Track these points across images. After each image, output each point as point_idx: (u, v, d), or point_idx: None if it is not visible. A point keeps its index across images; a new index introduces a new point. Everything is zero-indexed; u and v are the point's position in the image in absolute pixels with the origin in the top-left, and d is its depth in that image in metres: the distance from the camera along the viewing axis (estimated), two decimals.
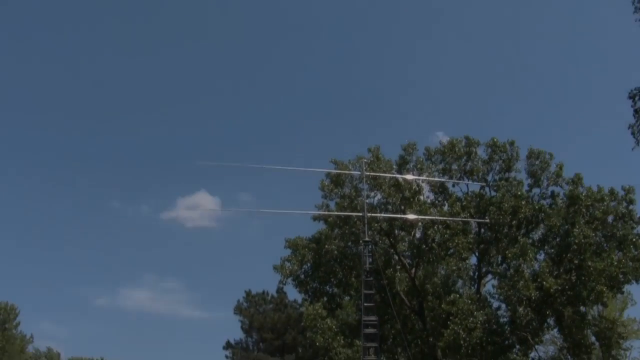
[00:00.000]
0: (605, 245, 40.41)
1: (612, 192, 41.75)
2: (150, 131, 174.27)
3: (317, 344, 41.42)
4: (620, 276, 38.75)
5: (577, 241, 37.60)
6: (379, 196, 43.23)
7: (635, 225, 41.60)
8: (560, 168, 42.67)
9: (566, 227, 38.82)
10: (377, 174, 41.00)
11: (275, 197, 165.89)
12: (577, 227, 37.91)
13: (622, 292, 46.32)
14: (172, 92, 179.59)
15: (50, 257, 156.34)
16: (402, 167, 44.08)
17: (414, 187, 42.72)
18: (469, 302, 39.83)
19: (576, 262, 37.78)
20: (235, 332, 79.33)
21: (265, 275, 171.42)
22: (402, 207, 41.84)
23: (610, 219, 41.20)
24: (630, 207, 41.85)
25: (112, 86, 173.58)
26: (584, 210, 39.31)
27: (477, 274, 45.41)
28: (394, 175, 42.34)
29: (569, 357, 45.59)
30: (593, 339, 53.01)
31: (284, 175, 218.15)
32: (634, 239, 39.90)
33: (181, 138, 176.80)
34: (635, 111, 23.52)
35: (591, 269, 37.08)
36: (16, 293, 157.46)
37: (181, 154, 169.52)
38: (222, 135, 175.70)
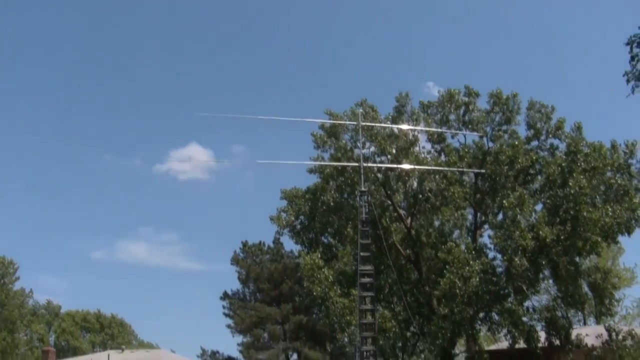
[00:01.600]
0: (601, 196, 40.52)
1: (613, 145, 41.72)
2: (141, 83, 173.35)
3: (314, 293, 41.66)
4: (615, 227, 38.92)
5: (573, 192, 37.59)
6: (373, 148, 43.17)
7: (632, 178, 41.69)
8: (562, 121, 42.49)
9: (563, 177, 38.76)
10: (373, 124, 40.85)
11: (269, 150, 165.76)
12: (574, 177, 37.89)
13: (617, 243, 46.64)
14: (163, 44, 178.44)
15: (46, 212, 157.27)
16: (396, 118, 43.87)
17: (409, 138, 42.60)
18: (465, 251, 40.01)
19: (572, 212, 37.75)
20: (232, 283, 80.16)
21: (261, 227, 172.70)
22: (398, 158, 41.77)
23: (608, 171, 41.25)
24: (630, 160, 41.88)
25: (103, 39, 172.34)
26: (582, 160, 39.23)
27: (473, 224, 45.58)
28: (390, 125, 42.19)
29: (563, 307, 46.05)
30: (587, 289, 53.61)
31: (278, 128, 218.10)
32: (630, 191, 39.99)
33: (172, 90, 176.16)
34: (632, 58, 23.34)
35: (586, 219, 37.11)
36: (14, 248, 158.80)
37: (172, 106, 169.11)
38: (215, 87, 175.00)
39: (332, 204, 43.74)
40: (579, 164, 38.94)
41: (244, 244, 46.62)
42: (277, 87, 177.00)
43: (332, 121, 42.13)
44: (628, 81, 23.58)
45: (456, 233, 47.46)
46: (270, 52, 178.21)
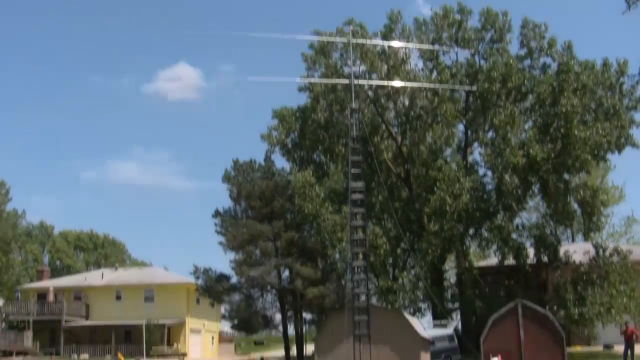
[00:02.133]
0: (592, 114, 40.53)
1: (605, 62, 41.52)
2: (126, 2, 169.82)
3: (306, 210, 41.98)
4: (605, 145, 39.07)
5: (564, 110, 37.57)
6: (364, 67, 42.92)
7: (623, 97, 41.64)
8: (554, 40, 42.18)
9: (554, 95, 38.67)
10: (364, 41, 40.47)
11: (258, 70, 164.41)
12: (565, 95, 37.80)
13: (606, 161, 46.90)
14: None
15: (36, 134, 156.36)
16: (387, 36, 43.44)
17: (401, 56, 42.29)
18: (456, 169, 40.20)
19: (562, 131, 37.80)
20: (224, 201, 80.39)
21: (252, 145, 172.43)
22: (389, 75, 41.54)
23: (599, 90, 41.16)
24: (621, 79, 41.74)
25: None
26: (573, 78, 39.08)
27: (464, 142, 45.69)
28: (382, 42, 41.83)
29: (552, 224, 46.54)
30: (576, 206, 54.08)
31: (267, 47, 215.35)
32: (620, 110, 40.00)
33: (159, 8, 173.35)
34: None
35: (577, 137, 37.19)
36: (5, 170, 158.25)
37: (160, 24, 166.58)
38: (203, 5, 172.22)
39: (322, 121, 43.71)
40: (570, 83, 38.79)
41: (235, 162, 46.64)
42: (266, 6, 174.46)
43: (322, 37, 41.73)
44: None
45: (447, 151, 47.58)
46: None
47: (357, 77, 39.88)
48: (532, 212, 59.79)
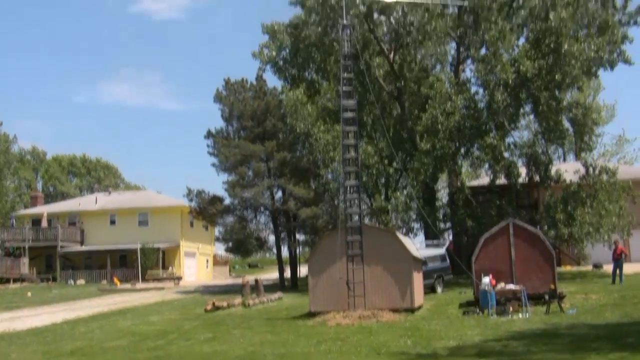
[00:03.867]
0: (583, 29, 40.06)
1: None
2: None
3: (298, 129, 41.86)
4: (597, 60, 38.75)
5: (555, 25, 37.09)
6: None
7: (616, 12, 41.10)
8: None
9: (546, 10, 38.14)
10: None
11: None
12: (557, 9, 37.29)
13: (597, 77, 46.65)
14: None
15: (25, 58, 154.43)
16: None
17: None
18: (448, 86, 39.95)
19: (553, 46, 37.39)
20: (215, 122, 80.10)
21: (243, 64, 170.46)
22: None
23: (591, 3, 40.58)
24: None
25: None
26: None
27: (456, 59, 45.29)
28: None
29: (543, 142, 46.55)
30: (568, 125, 54.07)
31: None
32: (613, 24, 39.48)
33: None
34: None
35: (568, 52, 36.83)
36: None
37: None
38: None
39: (314, 38, 43.17)
40: None
41: (227, 82, 46.09)
42: None
43: None
44: None
45: (438, 67, 47.23)
46: None
47: None
48: (524, 130, 59.93)
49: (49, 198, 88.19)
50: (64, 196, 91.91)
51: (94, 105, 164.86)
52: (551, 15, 37.37)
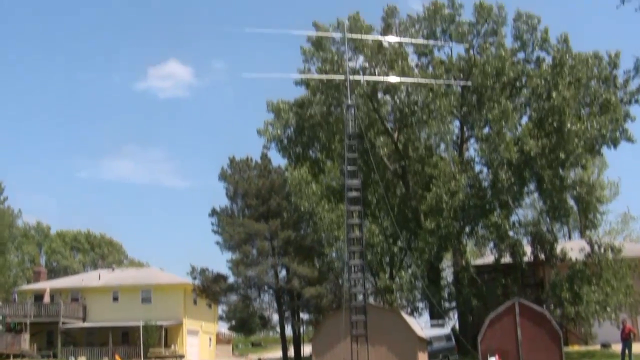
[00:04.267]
0: (586, 108, 40.45)
1: (596, 55, 41.42)
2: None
3: (302, 208, 41.86)
4: (600, 139, 39.01)
5: (557, 104, 37.48)
6: (361, 60, 42.85)
7: (617, 90, 41.56)
8: (546, 32, 42.02)
9: (549, 89, 38.59)
10: (359, 36, 40.35)
11: (251, 66, 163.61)
12: (560, 88, 37.71)
13: (601, 155, 46.82)
14: None
15: (27, 132, 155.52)
16: (384, 31, 43.38)
17: (397, 51, 42.20)
18: (452, 165, 40.10)
19: (556, 125, 37.70)
20: (220, 200, 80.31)
21: (247, 143, 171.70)
22: (385, 70, 41.45)
23: (593, 83, 41.10)
24: (614, 71, 41.68)
25: None
26: (567, 72, 39.00)
27: (459, 138, 45.56)
28: (377, 37, 41.72)
29: (548, 220, 46.41)
30: (572, 203, 53.99)
31: (260, 42, 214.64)
32: (614, 103, 39.87)
33: (148, 3, 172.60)
34: None
35: (571, 131, 37.09)
36: (0, 169, 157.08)
37: (149, 19, 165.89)
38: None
39: (319, 117, 43.58)
40: (564, 77, 38.70)
41: (231, 160, 46.48)
42: (256, 1, 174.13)
43: (317, 33, 41.66)
44: None
45: (442, 147, 47.49)
46: None
47: (354, 72, 39.85)
48: (528, 209, 59.81)
49: (52, 273, 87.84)
50: (67, 271, 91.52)
51: (96, 181, 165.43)
52: (554, 95, 37.81)
